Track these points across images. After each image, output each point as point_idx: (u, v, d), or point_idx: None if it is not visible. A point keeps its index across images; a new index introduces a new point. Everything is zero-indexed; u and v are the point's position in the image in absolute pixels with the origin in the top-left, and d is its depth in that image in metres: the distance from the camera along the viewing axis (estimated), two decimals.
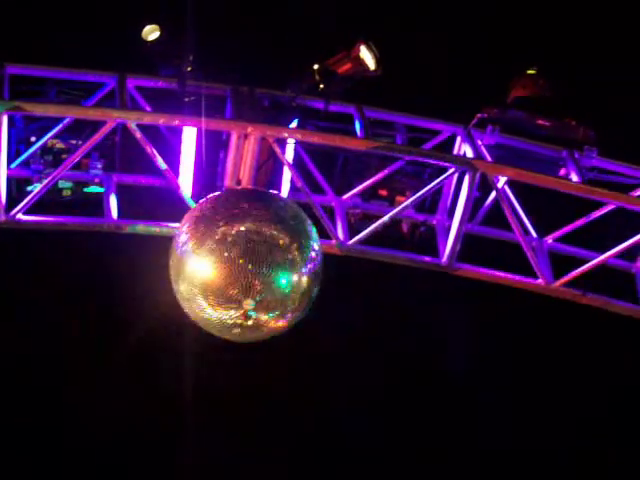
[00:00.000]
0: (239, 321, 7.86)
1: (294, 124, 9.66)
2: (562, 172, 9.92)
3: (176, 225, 8.79)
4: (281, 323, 7.95)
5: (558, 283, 9.96)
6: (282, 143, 9.52)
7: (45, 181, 9.39)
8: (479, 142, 9.88)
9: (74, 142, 9.56)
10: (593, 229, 10.26)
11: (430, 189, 9.72)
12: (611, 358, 12.57)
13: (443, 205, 10.20)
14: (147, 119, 9.27)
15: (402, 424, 13.05)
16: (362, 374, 12.86)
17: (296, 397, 12.89)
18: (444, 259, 9.92)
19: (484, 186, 9.80)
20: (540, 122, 9.97)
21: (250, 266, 7.77)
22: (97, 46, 10.67)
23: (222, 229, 8.00)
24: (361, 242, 9.82)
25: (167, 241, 8.54)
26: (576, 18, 12.07)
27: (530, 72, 10.05)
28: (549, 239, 10.35)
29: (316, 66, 9.50)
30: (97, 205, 9.70)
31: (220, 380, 12.59)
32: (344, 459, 13.14)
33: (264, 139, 9.37)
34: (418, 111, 10.11)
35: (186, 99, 9.51)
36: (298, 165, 9.75)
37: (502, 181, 9.73)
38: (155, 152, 9.33)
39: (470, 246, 10.04)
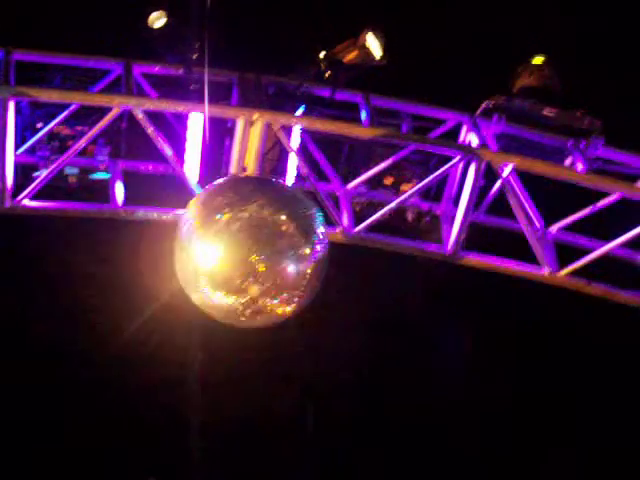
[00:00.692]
0: (244, 307, 7.88)
1: (300, 111, 9.66)
2: (568, 161, 9.92)
3: (181, 211, 8.82)
4: (287, 309, 7.96)
5: (563, 272, 9.96)
6: (288, 130, 9.52)
7: (51, 167, 9.41)
8: (485, 131, 9.87)
9: (80, 128, 9.57)
10: (598, 219, 10.26)
11: (435, 177, 9.73)
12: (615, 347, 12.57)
13: (448, 194, 10.20)
14: (152, 105, 9.27)
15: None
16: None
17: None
18: (449, 248, 9.93)
19: (489, 175, 9.79)
20: (546, 111, 9.96)
21: (255, 252, 7.78)
22: (103, 33, 10.68)
23: (227, 215, 8.00)
24: (366, 230, 9.83)
25: (172, 227, 8.56)
26: (578, 6, 12.06)
27: (536, 61, 10.03)
28: (554, 228, 10.35)
29: (322, 54, 9.50)
30: (103, 191, 9.72)
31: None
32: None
33: (270, 126, 9.37)
34: (424, 99, 10.10)
35: (192, 86, 9.51)
36: (304, 153, 9.75)
37: (507, 170, 9.73)
38: (160, 139, 9.34)
39: (475, 235, 10.05)
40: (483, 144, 9.72)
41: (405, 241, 10.00)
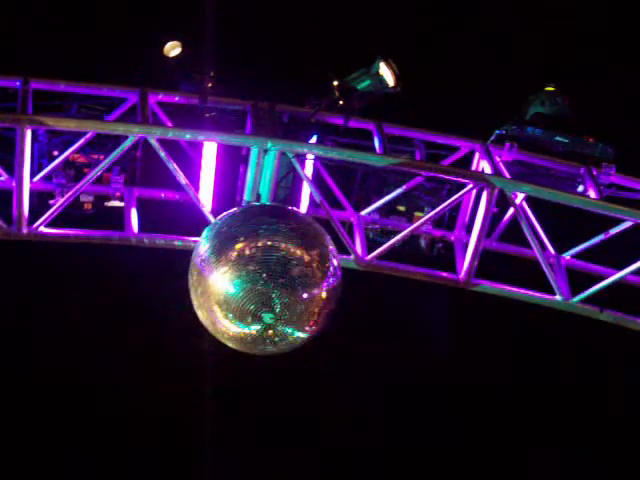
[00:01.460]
0: (258, 334, 7.92)
1: (313, 140, 9.72)
2: (580, 188, 9.94)
3: (196, 239, 8.88)
4: (302, 335, 8.00)
5: (575, 299, 9.96)
6: (302, 158, 9.58)
7: (67, 195, 9.49)
8: (497, 158, 9.90)
9: (95, 156, 9.65)
10: (611, 246, 10.26)
11: (448, 205, 9.75)
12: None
13: (461, 221, 10.23)
14: (171, 134, 9.34)
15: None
16: None
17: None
18: (462, 275, 9.95)
19: (502, 202, 9.82)
20: (558, 139, 10.00)
21: (269, 280, 7.83)
22: (119, 62, 10.78)
23: (241, 244, 8.06)
24: (379, 257, 9.86)
25: (186, 255, 8.63)
26: (594, 34, 12.12)
27: (548, 89, 10.09)
28: (567, 255, 10.37)
29: (336, 82, 9.56)
30: (118, 218, 9.79)
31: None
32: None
33: (284, 154, 9.44)
34: (437, 127, 10.15)
35: (207, 115, 9.59)
36: (317, 181, 9.80)
37: (520, 197, 9.76)
38: (176, 167, 9.41)
39: (488, 262, 10.07)
40: (495, 172, 9.75)
41: (418, 269, 10.02)
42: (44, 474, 12.73)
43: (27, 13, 11.51)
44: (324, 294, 8.01)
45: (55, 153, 9.60)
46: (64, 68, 10.12)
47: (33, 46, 10.92)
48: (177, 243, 9.61)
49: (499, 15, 12.13)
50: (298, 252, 7.97)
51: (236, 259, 7.97)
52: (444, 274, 10.04)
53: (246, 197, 9.57)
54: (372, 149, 9.78)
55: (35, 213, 9.55)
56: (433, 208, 9.84)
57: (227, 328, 7.98)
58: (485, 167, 9.89)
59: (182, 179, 9.43)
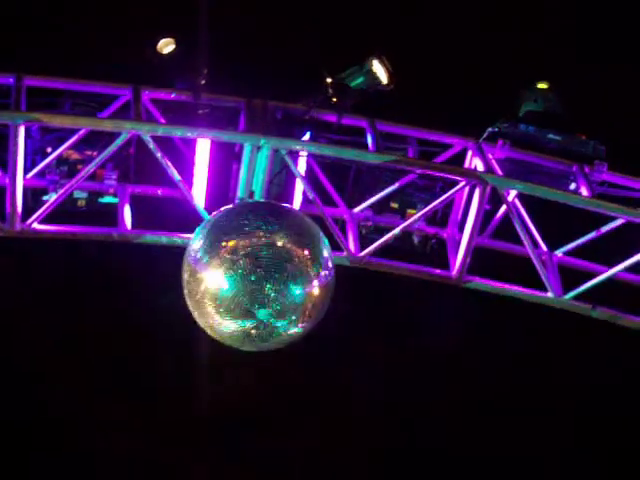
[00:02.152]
0: (252, 331, 7.94)
1: (307, 137, 9.75)
2: (572, 186, 9.98)
3: (189, 236, 8.90)
4: (296, 331, 8.03)
5: (568, 296, 10.01)
6: (295, 155, 9.60)
7: (60, 191, 9.50)
8: (490, 156, 9.94)
9: (89, 153, 9.65)
10: (603, 243, 10.31)
11: (441, 202, 9.79)
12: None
13: (454, 218, 10.26)
14: (163, 131, 9.36)
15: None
16: None
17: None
18: (454, 272, 9.98)
19: (495, 199, 9.86)
20: (551, 136, 10.03)
21: (263, 276, 7.85)
22: (112, 59, 10.78)
23: (235, 241, 8.08)
24: (372, 254, 9.89)
25: (180, 252, 8.64)
26: (588, 28, 12.14)
27: (541, 86, 10.11)
28: (559, 253, 10.41)
29: (329, 79, 9.59)
30: (111, 215, 9.80)
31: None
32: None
33: (277, 151, 9.46)
34: (430, 125, 10.18)
35: (200, 111, 9.60)
36: (310, 178, 9.83)
37: (512, 195, 9.81)
38: (169, 163, 9.43)
39: (480, 259, 10.10)
40: (488, 169, 9.79)
41: (411, 266, 10.05)
42: None
43: (20, 10, 11.50)
44: (317, 290, 8.04)
45: (48, 150, 9.60)
46: (58, 65, 10.13)
47: (26, 43, 10.91)
48: (171, 239, 9.64)
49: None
50: (291, 248, 7.99)
51: (229, 256, 7.98)
52: (437, 271, 10.08)
53: (239, 194, 9.61)
54: (365, 146, 9.81)
55: (28, 210, 9.57)
56: (426, 205, 9.88)
57: (221, 324, 8.01)
58: (478, 164, 9.93)
59: (175, 176, 9.45)
